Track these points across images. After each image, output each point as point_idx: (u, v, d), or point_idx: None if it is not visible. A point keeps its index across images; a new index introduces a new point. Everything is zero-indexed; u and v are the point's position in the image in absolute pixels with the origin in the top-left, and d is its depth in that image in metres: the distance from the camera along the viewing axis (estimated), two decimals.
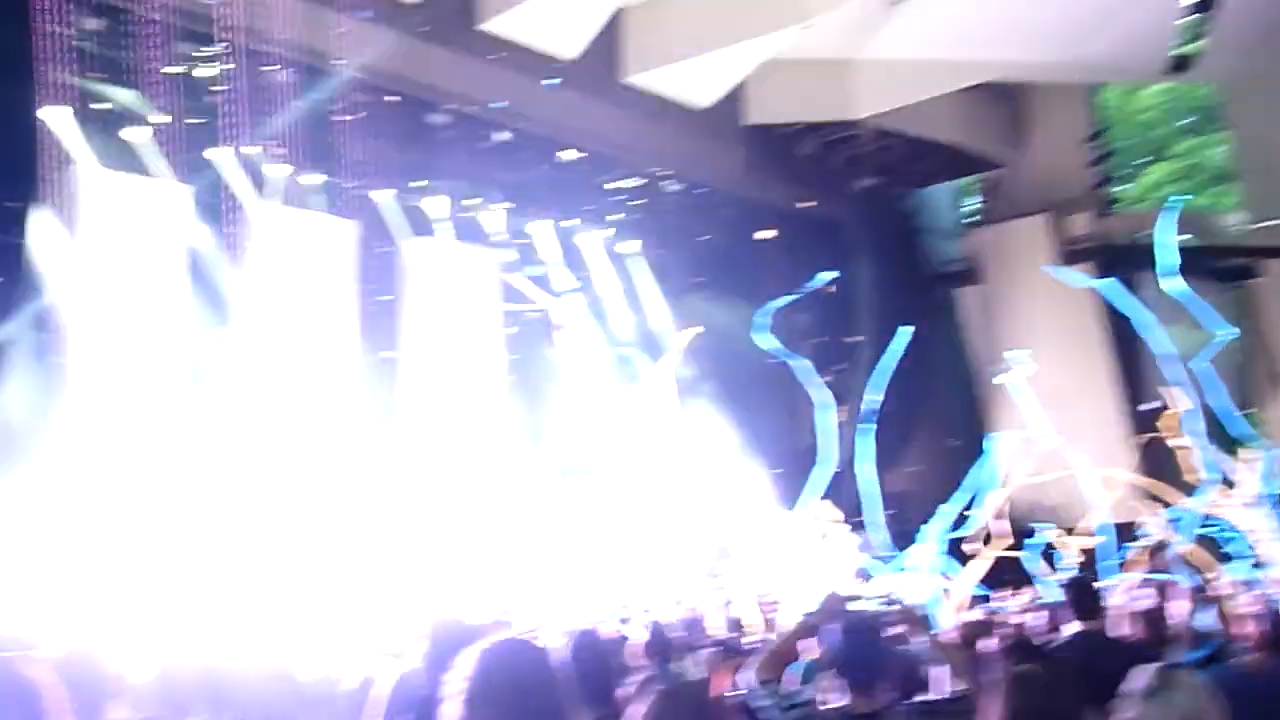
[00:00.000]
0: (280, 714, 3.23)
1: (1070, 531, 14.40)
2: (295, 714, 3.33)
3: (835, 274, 16.26)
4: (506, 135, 15.27)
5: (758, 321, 15.58)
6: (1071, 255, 20.34)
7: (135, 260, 13.40)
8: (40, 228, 11.68)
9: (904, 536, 18.88)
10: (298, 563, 12.25)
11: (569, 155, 16.00)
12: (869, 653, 3.44)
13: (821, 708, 3.42)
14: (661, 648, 6.09)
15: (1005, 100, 20.48)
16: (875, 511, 18.28)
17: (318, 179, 14.68)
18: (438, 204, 16.32)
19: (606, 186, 16.99)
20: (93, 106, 12.92)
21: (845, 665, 3.42)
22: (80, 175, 12.95)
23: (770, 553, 17.40)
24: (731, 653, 7.82)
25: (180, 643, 6.90)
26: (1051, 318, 20.33)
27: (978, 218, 22.91)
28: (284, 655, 3.74)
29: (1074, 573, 10.55)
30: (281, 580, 11.69)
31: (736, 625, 9.51)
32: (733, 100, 16.36)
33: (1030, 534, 13.57)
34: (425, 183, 15.86)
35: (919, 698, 4.17)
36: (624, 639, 6.71)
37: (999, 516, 14.37)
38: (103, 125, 12.98)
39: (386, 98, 14.04)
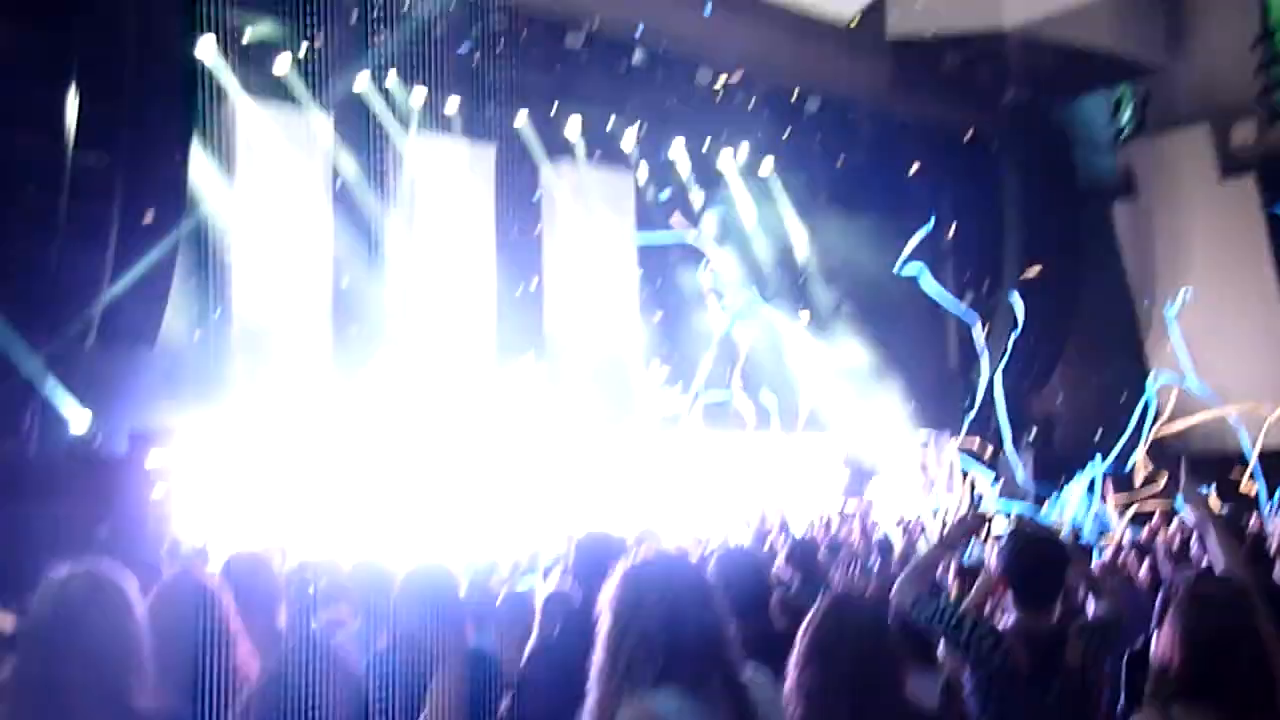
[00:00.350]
0: (440, 617, 3.31)
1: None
2: (455, 618, 3.41)
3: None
4: (643, 57, 15.11)
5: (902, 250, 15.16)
6: (1234, 167, 19.28)
7: (285, 188, 13.81)
8: (195, 157, 12.07)
9: (1048, 462, 18.51)
10: (449, 480, 12.62)
11: (706, 76, 15.77)
12: (1043, 572, 3.38)
13: (997, 626, 3.38)
14: (807, 565, 6.06)
15: (1163, 2, 19.38)
16: (1017, 436, 17.93)
17: (457, 104, 14.85)
18: (575, 128, 16.35)
19: (746, 107, 16.68)
20: (241, 39, 13.27)
21: (1021, 583, 3.37)
22: (231, 106, 13.35)
23: (911, 475, 17.25)
24: (871, 572, 7.81)
25: (350, 549, 7.21)
26: (1212, 236, 19.38)
27: (1133, 130, 21.84)
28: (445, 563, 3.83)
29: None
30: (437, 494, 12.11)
31: (881, 546, 9.44)
32: (875, 14, 15.87)
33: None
34: (562, 105, 15.86)
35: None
36: (771, 555, 6.72)
37: (1150, 452, 13.96)
38: (251, 57, 13.32)
39: (523, 22, 14.00)
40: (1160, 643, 2.55)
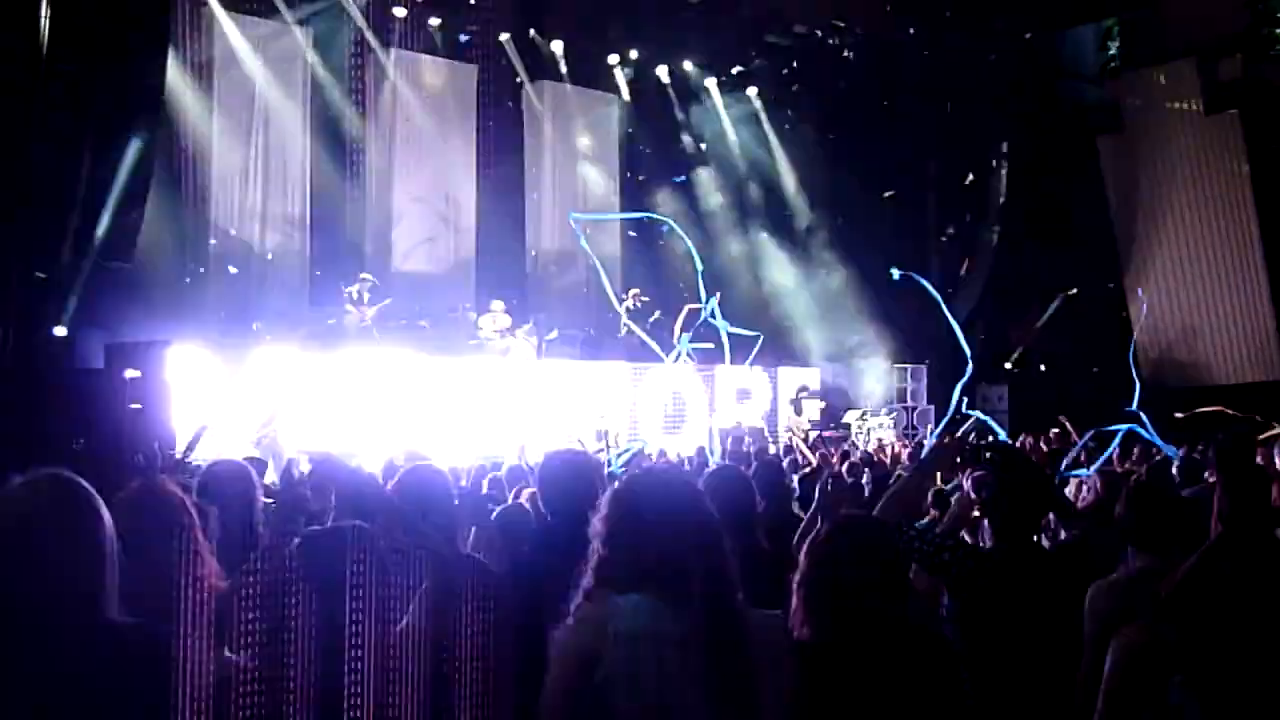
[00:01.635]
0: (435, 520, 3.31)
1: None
2: (450, 522, 3.41)
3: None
4: None
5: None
6: (1220, 101, 19.20)
7: (263, 102, 13.60)
8: (171, 69, 11.85)
9: (1025, 391, 18.66)
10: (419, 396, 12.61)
11: None
12: (1027, 504, 3.40)
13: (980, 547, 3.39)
14: (777, 486, 6.05)
15: None
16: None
17: (439, 20, 14.61)
18: (558, 46, 16.10)
19: (731, 28, 16.45)
20: None
21: (1002, 515, 3.39)
22: (209, 15, 13.10)
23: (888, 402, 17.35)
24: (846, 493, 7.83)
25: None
26: (1195, 171, 19.37)
27: (1121, 62, 21.70)
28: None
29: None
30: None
31: (858, 469, 9.51)
32: None
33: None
34: (545, 26, 15.62)
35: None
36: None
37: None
38: None
39: None
40: None
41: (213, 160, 13.09)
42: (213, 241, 13.19)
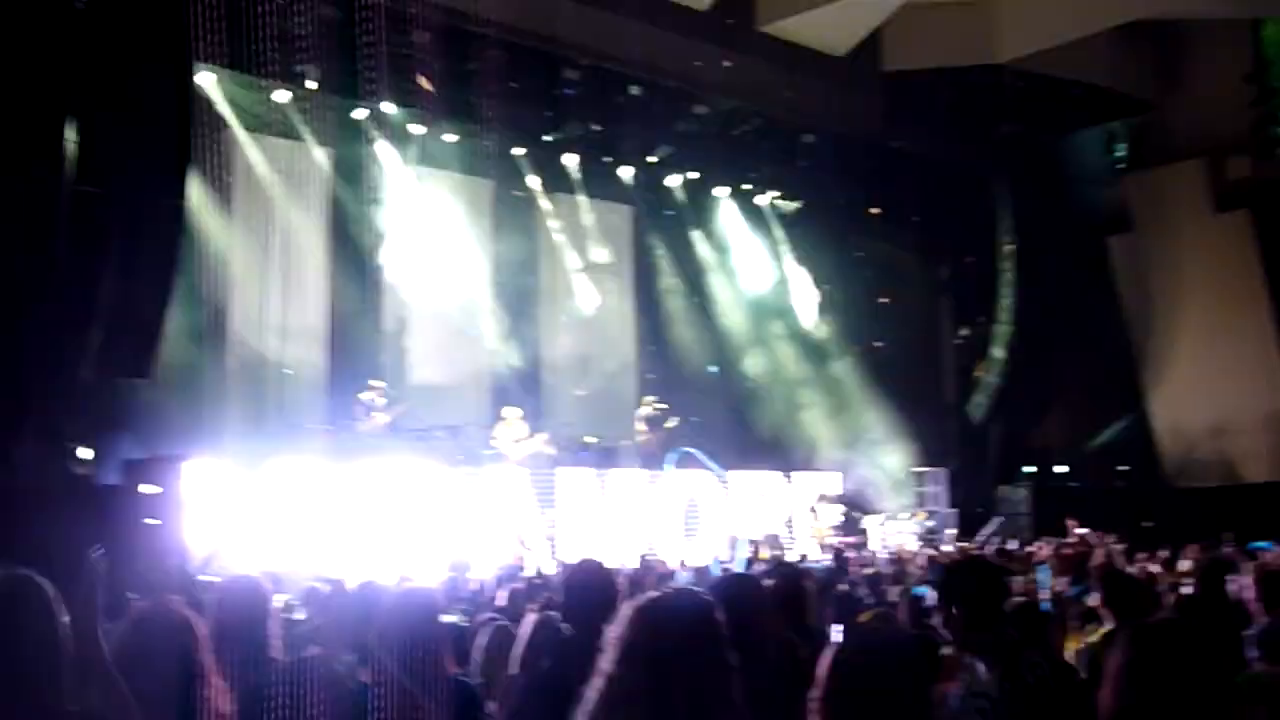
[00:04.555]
0: (423, 641, 3.28)
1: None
2: (437, 642, 3.38)
3: None
4: (639, 90, 15.17)
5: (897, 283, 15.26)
6: (1229, 202, 19.37)
7: (283, 219, 13.86)
8: (193, 189, 12.10)
9: (1046, 494, 18.49)
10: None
11: (702, 109, 15.83)
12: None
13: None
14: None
15: (1157, 38, 19.51)
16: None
17: (456, 137, 14.90)
18: (572, 160, 16.40)
19: (742, 140, 16.75)
20: (241, 71, 13.31)
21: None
22: (230, 138, 13.42)
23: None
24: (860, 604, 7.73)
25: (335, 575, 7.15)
26: (1208, 269, 19.44)
27: (1128, 164, 21.95)
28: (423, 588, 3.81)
29: None
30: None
31: (874, 579, 9.41)
32: (870, 47, 15.98)
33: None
34: (558, 137, 15.91)
35: None
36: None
37: None
38: (251, 89, 13.38)
39: (521, 56, 14.05)
40: None
41: (233, 274, 13.30)
42: (233, 356, 13.33)
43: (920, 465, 17.77)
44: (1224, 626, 4.21)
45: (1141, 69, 19.38)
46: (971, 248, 19.59)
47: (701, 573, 9.65)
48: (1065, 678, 3.50)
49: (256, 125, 13.54)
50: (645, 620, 2.24)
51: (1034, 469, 19.91)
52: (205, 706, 2.75)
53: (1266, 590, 4.50)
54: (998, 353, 18.85)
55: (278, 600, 5.94)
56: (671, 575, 9.39)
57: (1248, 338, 19.11)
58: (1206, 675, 2.41)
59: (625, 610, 2.28)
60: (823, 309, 18.67)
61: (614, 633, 2.25)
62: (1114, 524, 13.30)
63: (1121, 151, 22.24)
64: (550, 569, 10.66)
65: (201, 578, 8.32)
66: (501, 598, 7.22)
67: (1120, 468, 20.53)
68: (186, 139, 11.37)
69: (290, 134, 13.76)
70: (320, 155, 14.19)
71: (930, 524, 16.93)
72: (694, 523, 15.06)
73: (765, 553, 12.13)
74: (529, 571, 10.08)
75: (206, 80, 12.84)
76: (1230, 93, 19.94)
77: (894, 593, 7.77)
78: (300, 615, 6.31)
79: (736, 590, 3.81)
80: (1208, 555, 10.13)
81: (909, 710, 2.31)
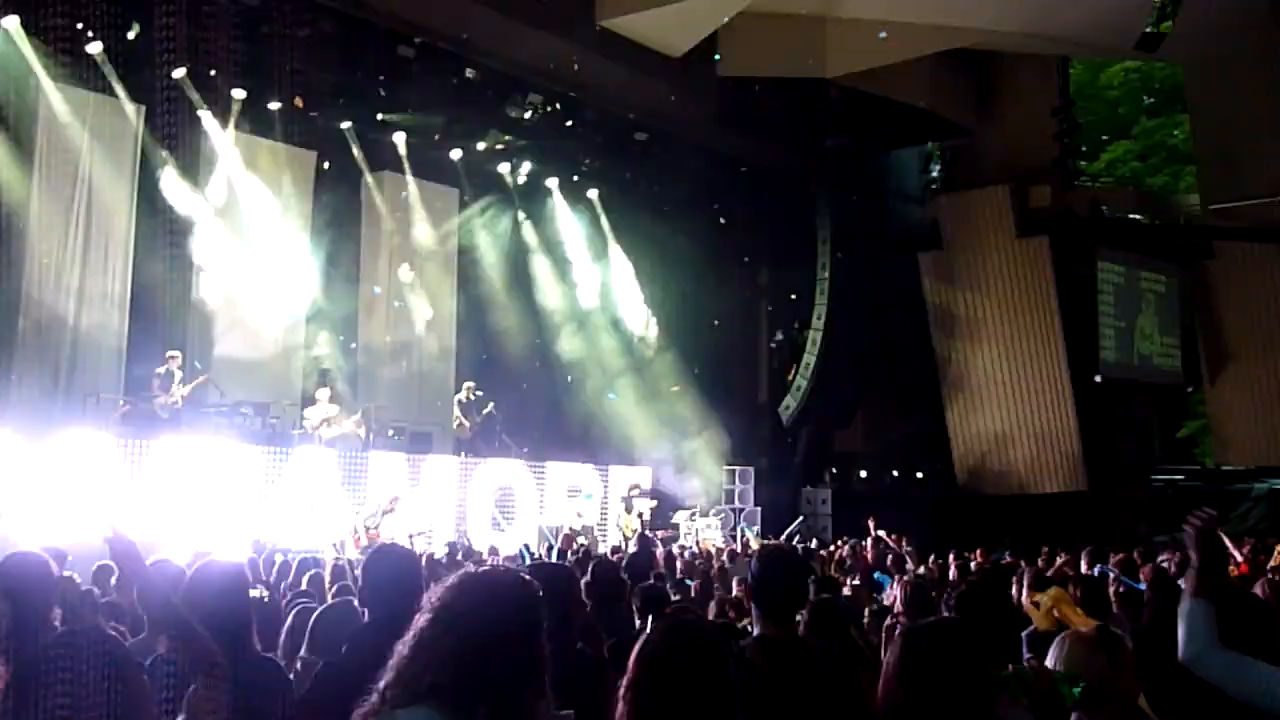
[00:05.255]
0: (228, 613, 3.19)
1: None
2: (243, 620, 3.28)
3: None
4: (474, 73, 14.96)
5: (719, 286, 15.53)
6: (1031, 226, 20.49)
7: (90, 176, 13.13)
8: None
9: (847, 496, 19.19)
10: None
11: (537, 98, 15.73)
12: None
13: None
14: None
15: (975, 68, 20.48)
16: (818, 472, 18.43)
17: (278, 105, 14.39)
18: (400, 137, 16.05)
19: (574, 132, 16.72)
20: (52, 21, 12.53)
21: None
22: (35, 85, 12.63)
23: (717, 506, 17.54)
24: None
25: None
26: (1008, 289, 20.53)
27: (941, 184, 22.98)
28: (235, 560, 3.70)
29: None
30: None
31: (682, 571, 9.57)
32: (707, 51, 16.19)
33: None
34: (389, 115, 15.57)
35: None
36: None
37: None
38: (61, 40, 12.60)
39: (357, 29, 13.67)
40: None
41: (29, 231, 12.53)
42: (20, 319, 12.52)
43: (731, 463, 18.14)
44: (1001, 628, 4.44)
45: (961, 96, 20.29)
46: (792, 254, 20.11)
47: (511, 561, 9.64)
48: (850, 666, 3.66)
49: (65, 77, 12.74)
50: (470, 589, 2.20)
51: (835, 471, 20.65)
52: None
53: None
54: (809, 358, 19.41)
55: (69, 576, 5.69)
56: (481, 564, 9.33)
57: (1040, 357, 20.28)
58: (972, 672, 2.55)
59: (453, 578, 2.24)
60: (645, 305, 18.85)
61: (434, 596, 2.20)
62: (909, 528, 13.94)
63: (936, 172, 23.29)
64: (354, 554, 10.48)
65: None
66: (305, 581, 7.05)
67: (918, 474, 21.51)
68: None
69: (103, 88, 13.00)
70: (133, 112, 13.46)
71: (737, 521, 17.31)
72: (507, 512, 15.02)
73: (575, 544, 12.18)
74: (345, 554, 9.91)
75: (10, 23, 12.08)
76: (1038, 125, 21.11)
77: (699, 586, 7.93)
78: (91, 589, 6.04)
79: (547, 580, 3.80)
80: (989, 559, 10.79)
81: (712, 699, 2.36)
